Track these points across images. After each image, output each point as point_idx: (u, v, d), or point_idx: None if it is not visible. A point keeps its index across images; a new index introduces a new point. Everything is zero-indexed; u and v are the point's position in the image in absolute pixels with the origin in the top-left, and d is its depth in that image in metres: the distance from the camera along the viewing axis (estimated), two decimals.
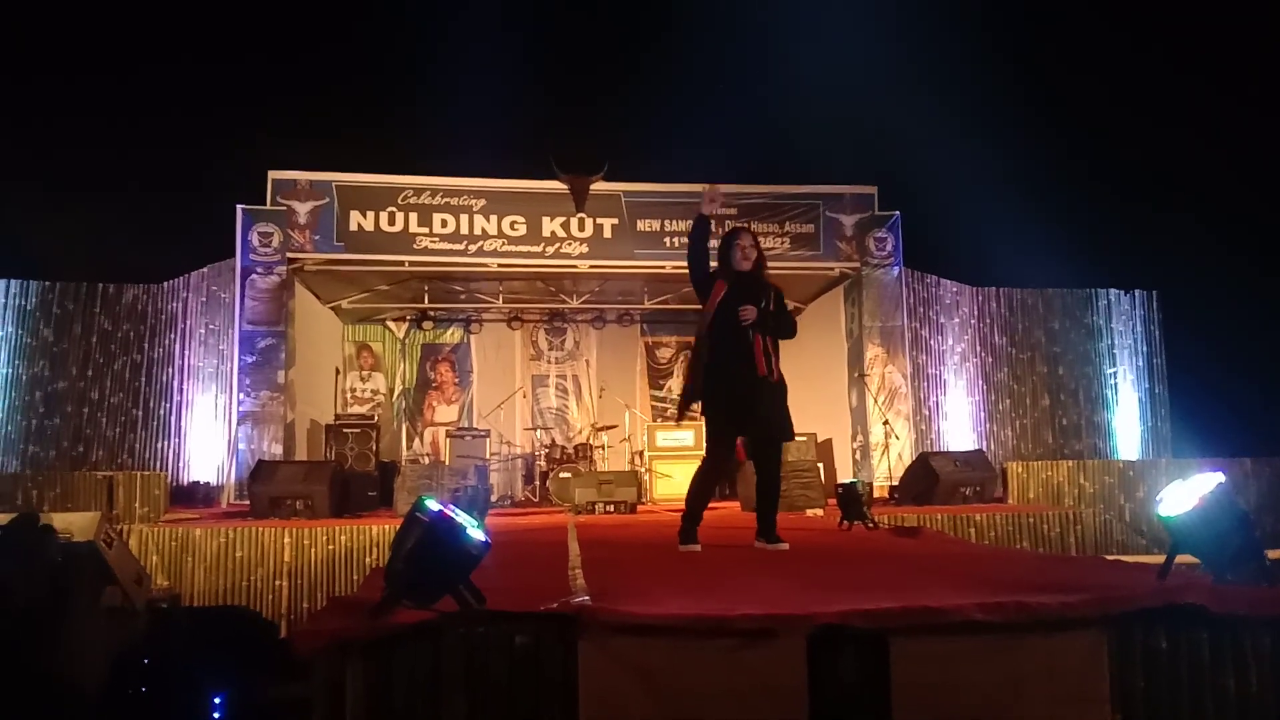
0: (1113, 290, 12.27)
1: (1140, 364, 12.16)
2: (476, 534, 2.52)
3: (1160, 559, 3.02)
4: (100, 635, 4.40)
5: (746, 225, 4.95)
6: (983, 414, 11.68)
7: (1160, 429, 12.08)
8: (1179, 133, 12.62)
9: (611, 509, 8.58)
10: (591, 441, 11.47)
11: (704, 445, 4.97)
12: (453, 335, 13.66)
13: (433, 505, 2.48)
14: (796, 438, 11.08)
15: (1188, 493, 2.78)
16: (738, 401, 4.71)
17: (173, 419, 10.77)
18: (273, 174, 10.64)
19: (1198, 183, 12.58)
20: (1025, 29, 13.16)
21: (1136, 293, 12.32)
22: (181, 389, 10.80)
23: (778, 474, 4.96)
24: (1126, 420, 11.96)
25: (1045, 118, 13.12)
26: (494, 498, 11.33)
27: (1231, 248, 12.43)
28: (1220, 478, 2.75)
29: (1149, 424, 12.05)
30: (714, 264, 5.05)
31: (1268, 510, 9.44)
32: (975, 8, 12.78)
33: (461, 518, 2.51)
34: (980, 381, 11.75)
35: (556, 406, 13.69)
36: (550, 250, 11.00)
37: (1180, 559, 2.98)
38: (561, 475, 10.19)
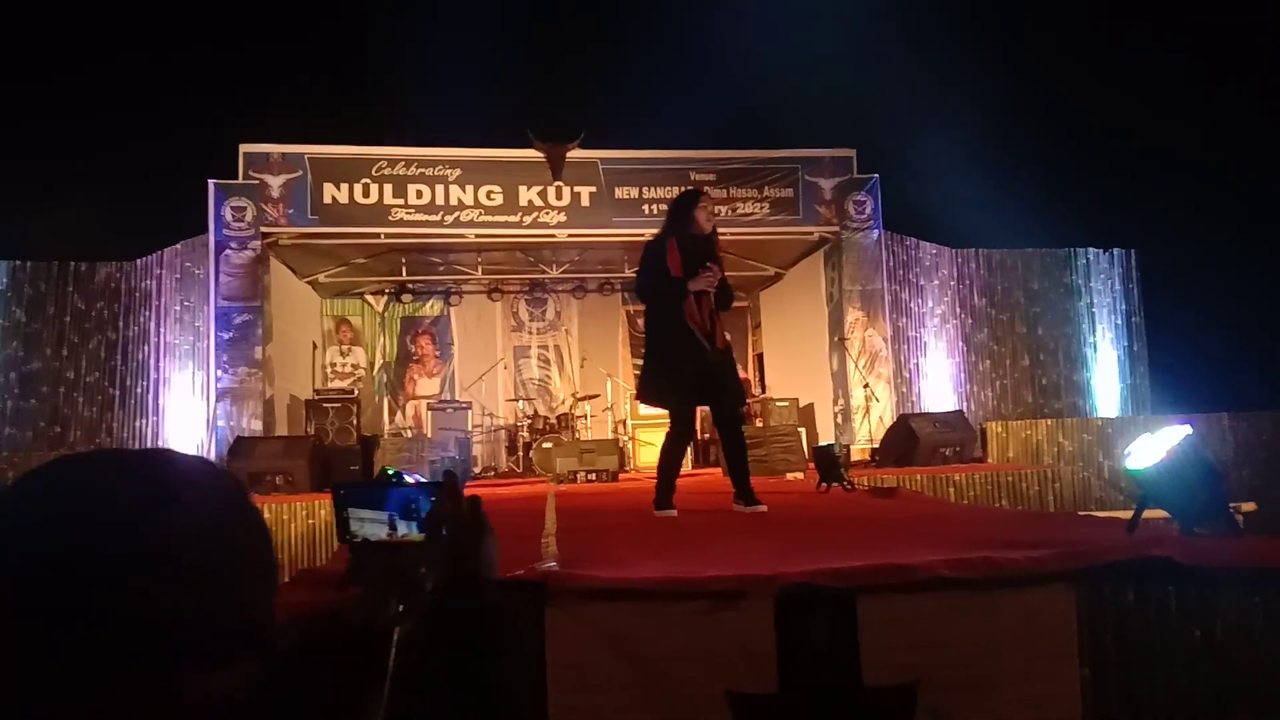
0: (1091, 249, 12.27)
1: (1119, 322, 12.20)
2: None
3: (1133, 513, 3.03)
4: None
5: (704, 191, 4.96)
6: (963, 375, 11.71)
7: (1139, 386, 12.14)
8: (1154, 93, 12.60)
9: (593, 478, 8.59)
10: (574, 411, 11.47)
11: None
12: (432, 308, 13.58)
13: (394, 474, 2.45)
14: (778, 403, 11.29)
15: (1156, 446, 2.78)
16: (689, 378, 4.69)
17: (150, 397, 10.68)
18: (244, 147, 10.49)
19: (1173, 141, 12.58)
20: None
21: (1115, 251, 12.33)
22: (158, 367, 10.70)
23: (740, 437, 4.96)
24: (1105, 378, 12.02)
25: (1022, 77, 13.06)
26: (477, 469, 11.34)
27: (1207, 206, 12.46)
28: (1187, 430, 2.75)
29: (1128, 382, 12.10)
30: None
31: (1245, 464, 9.53)
32: None
33: (425, 487, 2.48)
34: (960, 343, 11.77)
35: (538, 377, 13.65)
36: (528, 220, 10.91)
37: (1151, 514, 2.99)
38: (544, 445, 10.18)
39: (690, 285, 4.61)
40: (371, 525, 1.35)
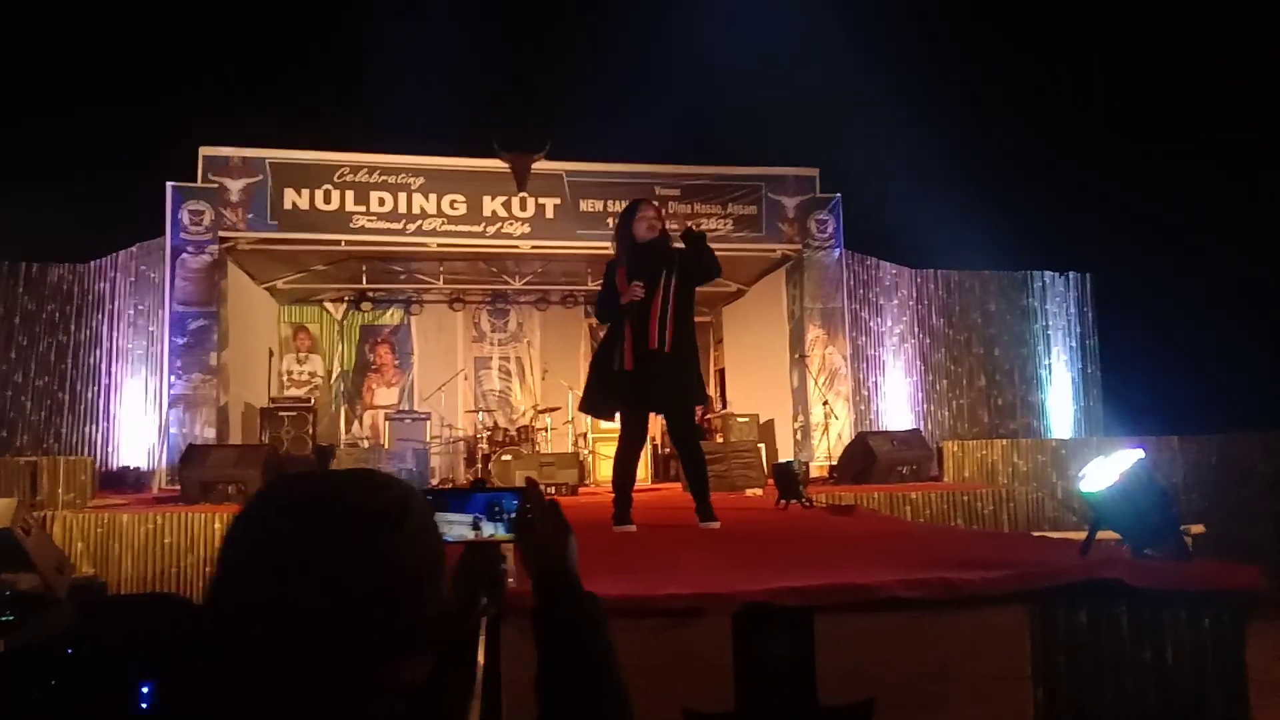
0: (1047, 272, 12.47)
1: (1074, 344, 12.39)
2: None
3: (1086, 534, 3.06)
4: None
5: (644, 197, 5.05)
6: (920, 394, 11.83)
7: (1093, 408, 12.34)
8: (1113, 118, 12.87)
9: (553, 490, 8.54)
10: (534, 424, 11.41)
11: None
12: (392, 316, 13.46)
13: None
14: (739, 419, 11.32)
15: (1109, 469, 2.81)
16: (620, 386, 4.69)
17: (101, 402, 10.47)
18: (204, 150, 10.35)
19: (1127, 168, 12.85)
20: (961, 17, 13.28)
21: (1070, 275, 12.54)
22: (110, 372, 10.49)
23: (693, 449, 4.89)
24: (1060, 400, 12.20)
25: (983, 103, 13.28)
26: (435, 481, 11.22)
27: (1161, 232, 12.71)
28: (1140, 454, 2.79)
29: (1082, 403, 12.29)
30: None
31: (1194, 487, 9.70)
32: None
33: None
34: (918, 362, 11.88)
35: (499, 389, 13.58)
36: (491, 230, 10.87)
37: (1103, 535, 3.03)
38: (503, 458, 10.12)
39: (622, 299, 4.65)
40: (457, 527, 1.45)
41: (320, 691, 0.93)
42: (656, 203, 5.14)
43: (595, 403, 4.98)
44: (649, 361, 4.61)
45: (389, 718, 0.98)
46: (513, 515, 1.41)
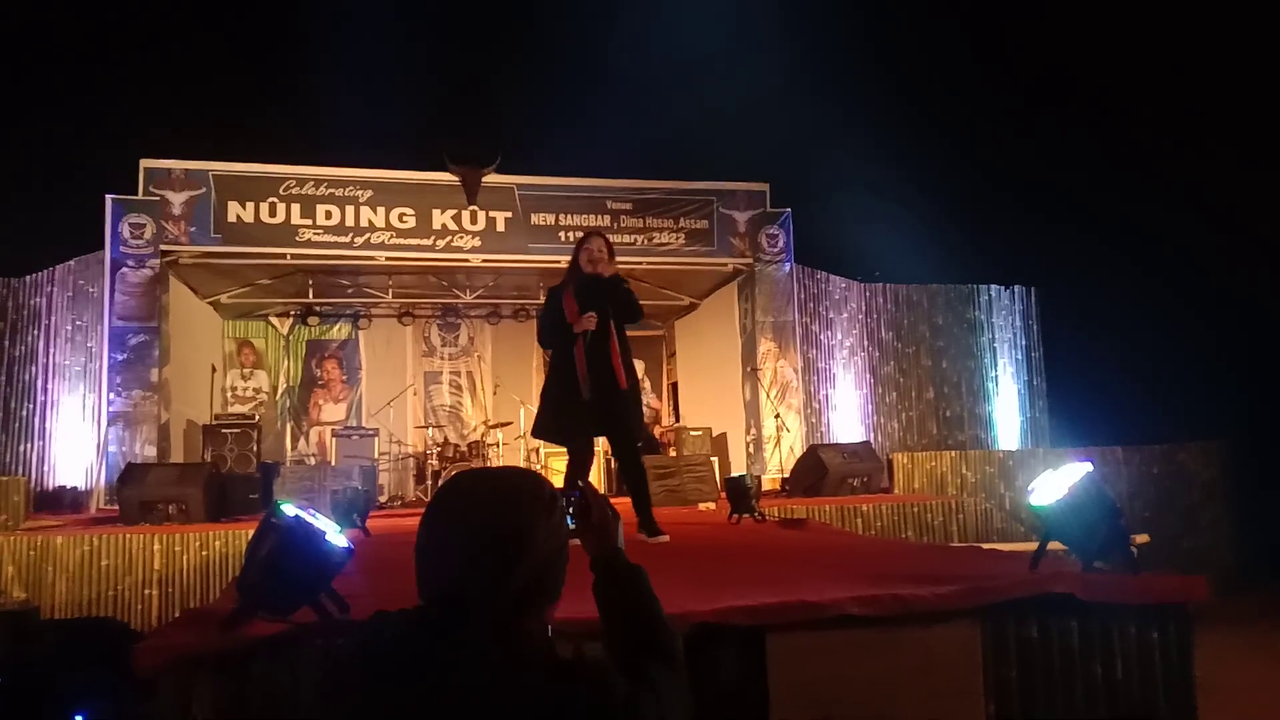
0: (993, 286, 12.65)
1: (1019, 357, 12.58)
2: (338, 539, 2.39)
3: (1036, 546, 3.07)
4: None
5: (598, 230, 5.28)
6: (870, 406, 11.92)
7: (1038, 420, 12.52)
8: (1056, 135, 13.12)
9: None
10: (486, 439, 11.29)
11: None
12: (340, 331, 13.27)
13: (289, 510, 2.33)
14: (692, 432, 11.32)
15: (1058, 482, 2.82)
16: (573, 415, 4.86)
17: (36, 420, 10.15)
18: (145, 163, 10.12)
19: (1070, 182, 13.10)
20: (906, 36, 13.49)
21: (1016, 288, 12.73)
22: (46, 388, 10.19)
23: (636, 469, 5.03)
24: (1006, 411, 12.36)
25: (928, 119, 13.46)
26: (384, 498, 11.05)
27: (1103, 245, 12.96)
28: (1088, 467, 2.80)
29: (1028, 415, 12.47)
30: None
31: (1138, 496, 9.89)
32: (857, 14, 13.06)
33: (321, 522, 2.37)
34: (868, 375, 11.98)
35: (450, 404, 13.43)
36: (441, 244, 10.76)
37: (1051, 546, 3.04)
38: (454, 474, 9.98)
39: (575, 327, 4.80)
40: None
41: (505, 634, 1.32)
42: (604, 235, 5.18)
43: (548, 429, 5.10)
44: (603, 393, 4.80)
45: (532, 656, 1.33)
46: (571, 509, 1.68)
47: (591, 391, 4.79)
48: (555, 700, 1.26)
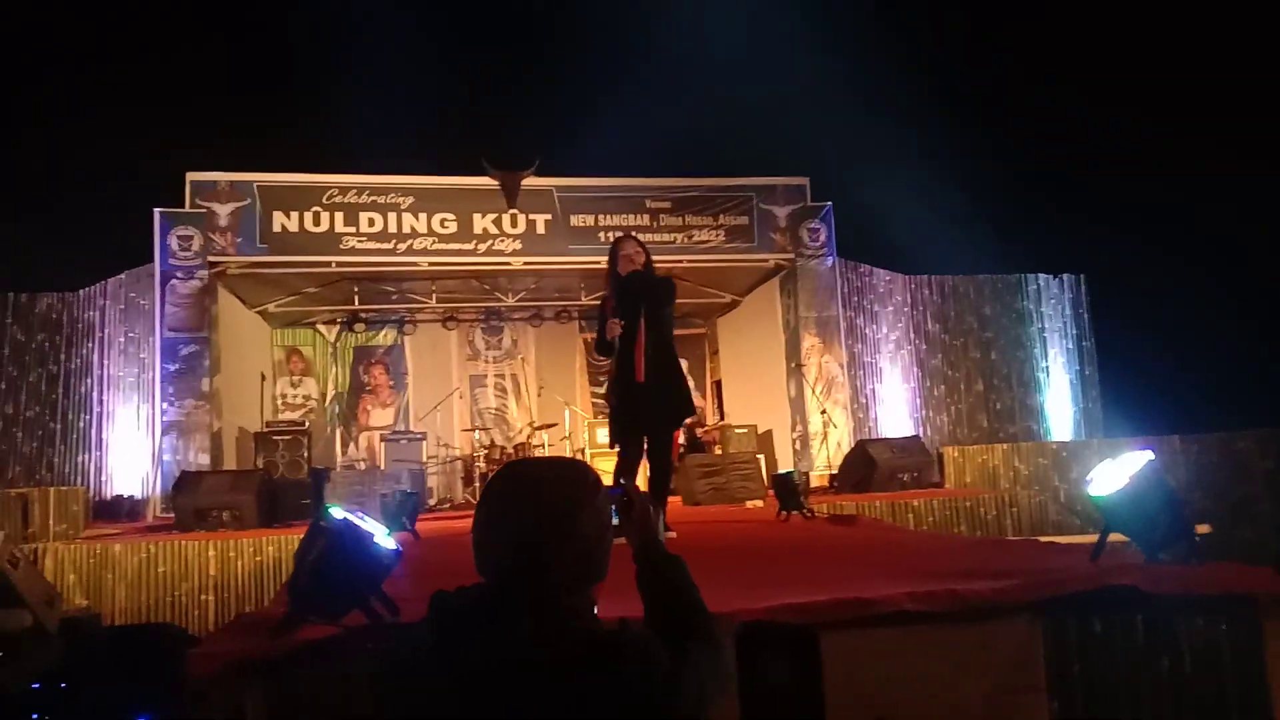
0: (1042, 275, 12.43)
1: (1070, 346, 12.34)
2: (387, 542, 2.38)
3: (1094, 538, 2.99)
4: None
5: (628, 234, 5.32)
6: (918, 400, 11.76)
7: (1092, 410, 12.28)
8: (1105, 122, 12.86)
9: None
10: (531, 440, 11.32)
11: None
12: (386, 337, 13.38)
13: (337, 514, 2.33)
14: (737, 430, 11.24)
15: (1118, 472, 2.74)
16: (625, 404, 4.98)
17: (93, 431, 10.37)
18: (191, 175, 10.29)
19: (1120, 170, 12.83)
20: (952, 26, 13.30)
21: (1065, 277, 12.50)
22: (101, 400, 10.40)
23: (662, 461, 5.08)
24: (1058, 402, 12.13)
25: (973, 107, 13.27)
26: (433, 501, 11.12)
27: (1153, 233, 12.69)
28: (1149, 456, 2.72)
29: (1080, 405, 12.23)
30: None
31: (1196, 486, 9.63)
32: (900, 2, 12.91)
33: (370, 525, 2.36)
34: (915, 368, 11.82)
35: (495, 406, 13.48)
36: (482, 248, 10.81)
37: (1112, 538, 2.95)
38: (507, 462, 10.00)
39: (607, 334, 4.92)
40: None
41: (555, 608, 1.41)
42: (635, 237, 5.21)
43: (611, 433, 5.22)
44: (634, 390, 4.89)
45: (580, 630, 1.41)
46: (613, 505, 1.74)
47: (627, 390, 4.90)
48: (602, 670, 1.36)
